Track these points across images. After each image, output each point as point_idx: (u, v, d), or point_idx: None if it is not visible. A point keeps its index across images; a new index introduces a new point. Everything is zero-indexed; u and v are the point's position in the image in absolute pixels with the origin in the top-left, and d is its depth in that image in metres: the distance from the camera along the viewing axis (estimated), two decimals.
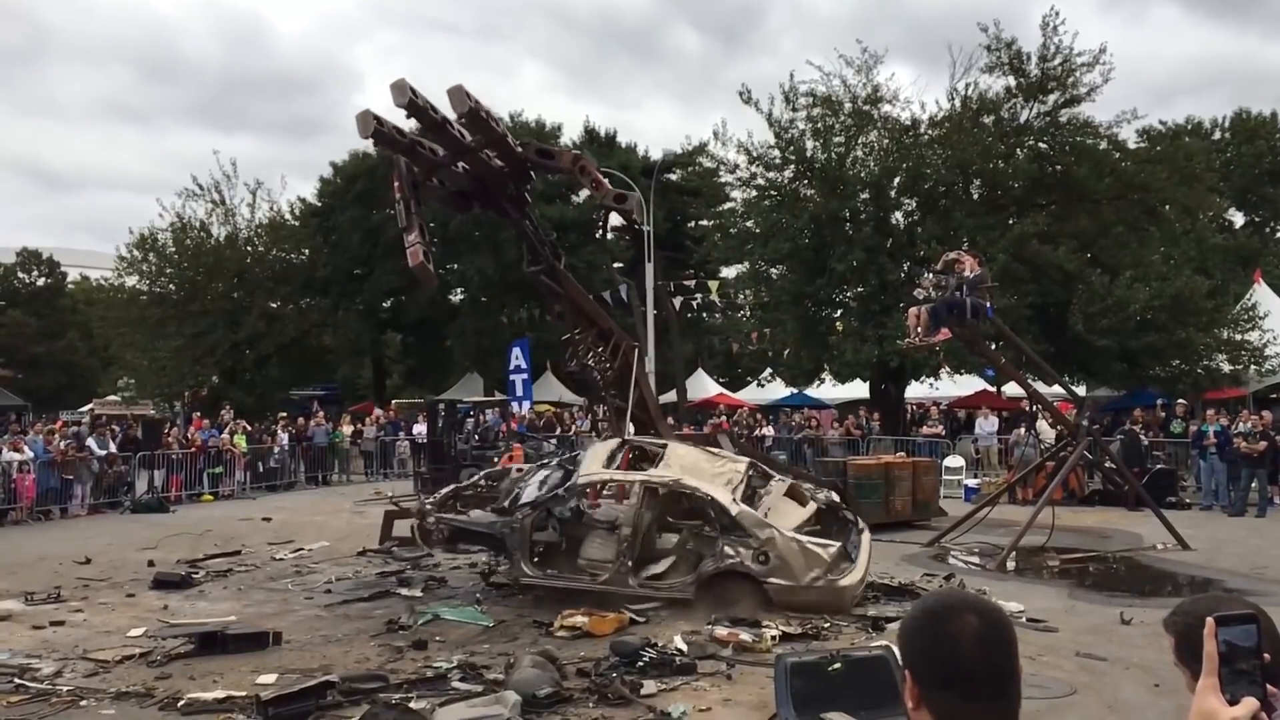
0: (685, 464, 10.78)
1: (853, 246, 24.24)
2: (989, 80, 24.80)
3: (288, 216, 38.57)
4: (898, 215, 26.26)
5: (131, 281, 36.33)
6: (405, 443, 27.40)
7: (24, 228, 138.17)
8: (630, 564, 9.96)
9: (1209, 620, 1.53)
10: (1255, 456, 17.22)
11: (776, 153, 25.71)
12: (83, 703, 7.36)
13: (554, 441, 27.79)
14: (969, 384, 28.45)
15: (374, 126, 10.42)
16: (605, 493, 13.15)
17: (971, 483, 20.43)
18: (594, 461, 11.22)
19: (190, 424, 25.51)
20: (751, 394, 36.67)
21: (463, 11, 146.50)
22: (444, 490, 12.33)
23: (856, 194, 25.39)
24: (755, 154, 25.72)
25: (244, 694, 7.33)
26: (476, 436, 24.13)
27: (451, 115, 10.69)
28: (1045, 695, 7.08)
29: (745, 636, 8.65)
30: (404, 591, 11.25)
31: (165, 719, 7.06)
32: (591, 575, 10.19)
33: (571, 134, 41.77)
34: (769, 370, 34.20)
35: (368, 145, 28.78)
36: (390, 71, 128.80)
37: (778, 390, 34.66)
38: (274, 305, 36.79)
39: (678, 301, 36.32)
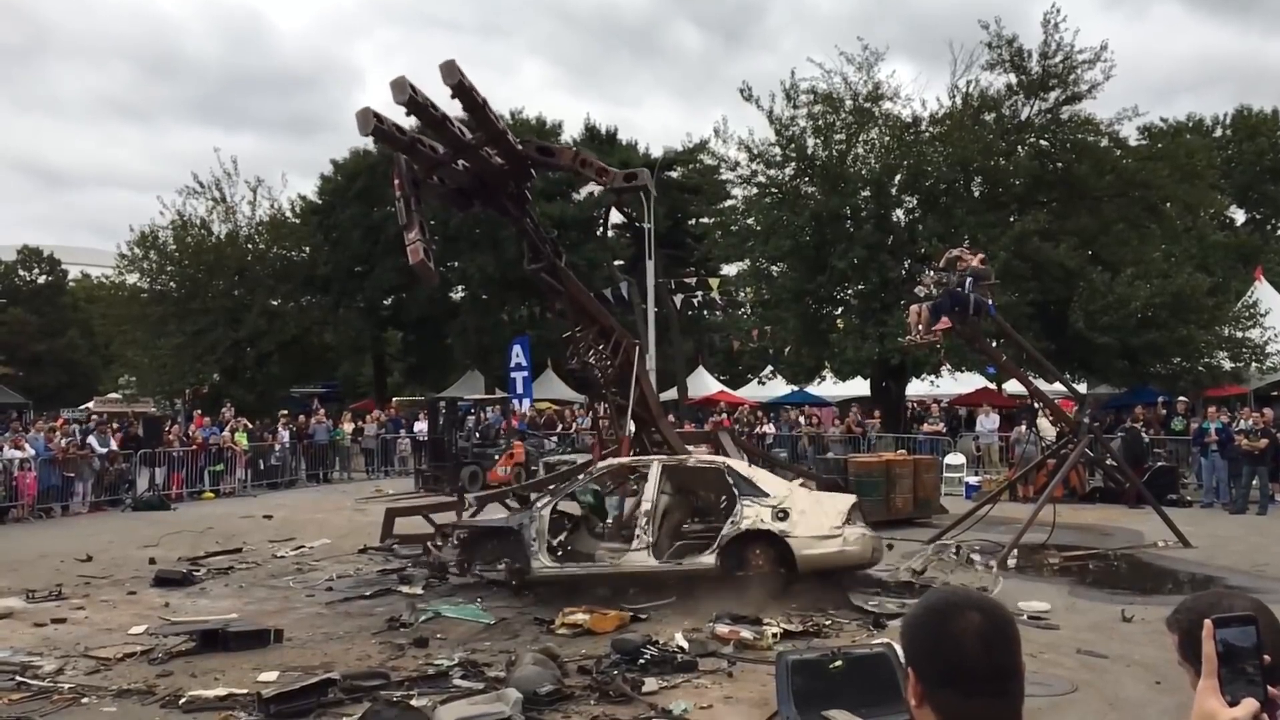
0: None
1: (853, 244, 24.24)
2: (990, 77, 24.83)
3: (288, 214, 38.65)
4: (899, 213, 26.25)
5: (132, 279, 36.40)
6: (406, 440, 27.44)
7: (25, 225, 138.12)
8: (650, 541, 10.01)
9: (1207, 622, 1.53)
10: (1256, 454, 17.20)
11: (777, 150, 25.70)
12: (84, 700, 7.37)
13: (555, 439, 27.82)
14: (970, 381, 28.46)
15: (374, 124, 10.40)
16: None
17: (972, 480, 20.43)
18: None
19: (191, 422, 25.53)
20: (752, 391, 36.69)
21: (463, 8, 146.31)
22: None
23: (857, 191, 25.38)
24: (756, 151, 25.72)
25: (245, 691, 7.33)
26: (477, 434, 24.14)
27: (452, 113, 10.69)
28: (1047, 693, 7.07)
29: (746, 634, 8.65)
30: (405, 589, 11.25)
31: (167, 717, 7.05)
32: (610, 561, 10.26)
33: (572, 131, 41.81)
34: (770, 368, 34.24)
35: (368, 143, 28.87)
36: (391, 69, 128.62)
37: (778, 388, 34.68)
38: (275, 303, 36.81)
39: (678, 299, 36.37)
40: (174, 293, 35.08)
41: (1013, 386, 26.69)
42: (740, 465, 10.47)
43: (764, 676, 7.45)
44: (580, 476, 11.49)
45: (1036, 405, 17.35)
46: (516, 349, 32.31)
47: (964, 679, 1.53)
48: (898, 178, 25.16)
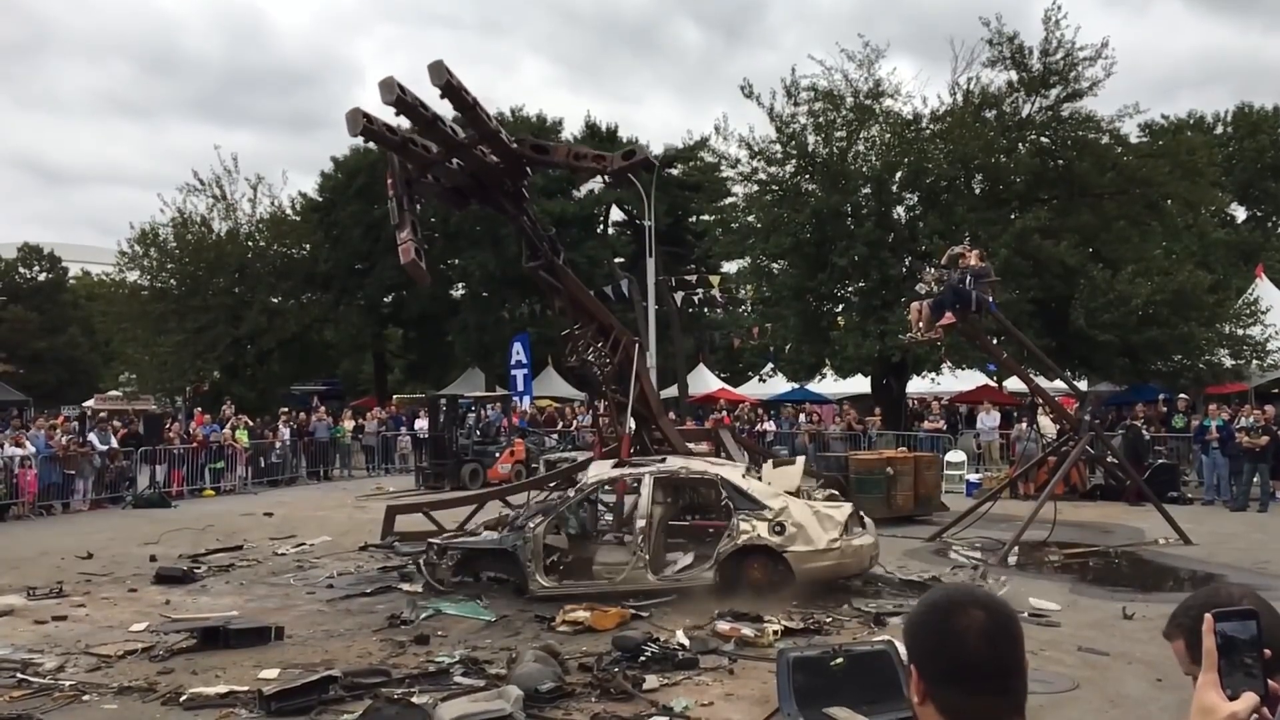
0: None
1: (854, 241, 24.22)
2: (991, 74, 24.76)
3: (289, 211, 38.65)
4: (899, 210, 26.23)
5: (133, 277, 36.40)
6: (407, 438, 27.45)
7: (25, 223, 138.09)
8: (647, 559, 9.98)
9: (1206, 615, 1.52)
10: (1257, 451, 17.20)
11: (778, 147, 25.67)
12: (85, 697, 7.37)
13: (555, 436, 27.84)
14: (970, 379, 28.45)
15: (363, 124, 10.37)
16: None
17: (973, 477, 20.45)
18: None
19: (192, 419, 25.55)
20: (753, 389, 36.71)
21: (464, 6, 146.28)
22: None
23: (858, 189, 25.36)
24: (757, 149, 25.69)
25: (246, 689, 7.33)
26: (478, 432, 24.16)
27: (444, 113, 10.66)
28: (1048, 690, 7.07)
29: (747, 631, 8.65)
30: (406, 586, 11.25)
31: (167, 714, 7.05)
32: (608, 579, 10.19)
33: (573, 129, 41.80)
34: (770, 365, 34.24)
35: None
36: (391, 66, 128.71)
37: (779, 385, 34.69)
38: (275, 300, 36.85)
39: (679, 296, 36.31)
40: (174, 290, 35.09)
41: (1014, 384, 26.62)
42: (735, 476, 10.26)
43: (765, 674, 7.45)
44: (570, 492, 11.28)
45: (1037, 402, 17.33)
46: (517, 346, 32.34)
47: (967, 676, 1.53)
48: (898, 175, 25.13)
